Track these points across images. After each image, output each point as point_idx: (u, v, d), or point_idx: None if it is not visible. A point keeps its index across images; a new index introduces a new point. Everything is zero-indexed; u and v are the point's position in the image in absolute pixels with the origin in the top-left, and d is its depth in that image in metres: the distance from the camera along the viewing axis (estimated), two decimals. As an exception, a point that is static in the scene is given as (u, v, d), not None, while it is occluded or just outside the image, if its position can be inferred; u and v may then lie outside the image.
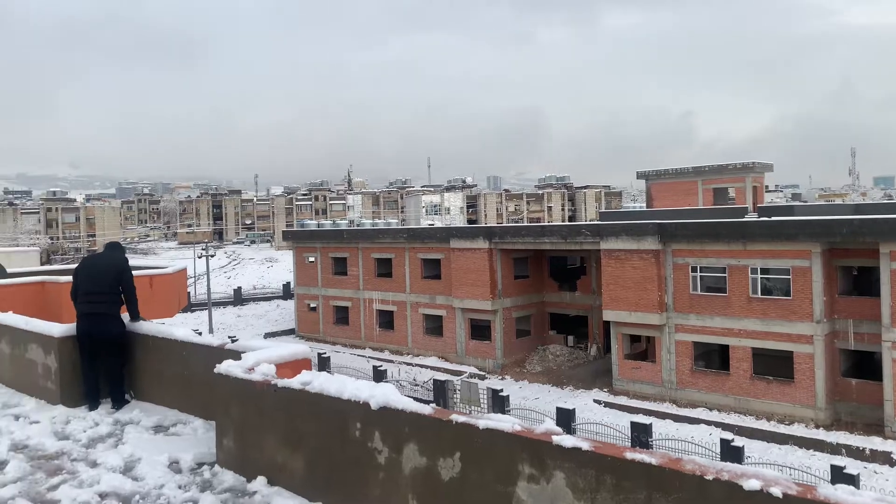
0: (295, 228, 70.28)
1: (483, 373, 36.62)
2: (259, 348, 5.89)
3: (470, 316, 38.59)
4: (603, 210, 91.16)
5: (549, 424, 3.81)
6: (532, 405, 28.90)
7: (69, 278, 14.36)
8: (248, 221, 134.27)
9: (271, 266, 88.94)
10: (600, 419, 27.32)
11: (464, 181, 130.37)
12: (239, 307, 60.63)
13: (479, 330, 38.49)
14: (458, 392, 30.06)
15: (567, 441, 3.51)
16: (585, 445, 3.46)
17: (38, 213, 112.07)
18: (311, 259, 48.65)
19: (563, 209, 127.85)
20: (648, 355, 32.84)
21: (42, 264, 39.00)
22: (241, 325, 52.55)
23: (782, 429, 26.74)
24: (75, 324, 7.07)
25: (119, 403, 6.87)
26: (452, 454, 3.96)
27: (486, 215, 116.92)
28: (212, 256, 57.34)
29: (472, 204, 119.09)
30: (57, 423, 6.41)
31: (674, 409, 29.50)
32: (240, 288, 64.90)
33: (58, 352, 7.07)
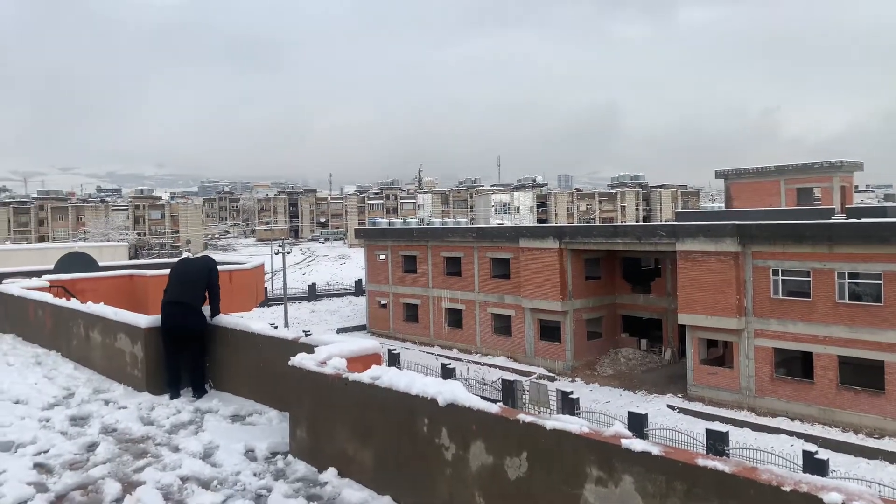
0: (367, 227, 71.51)
1: (552, 374, 36.28)
2: (331, 343, 6.03)
3: (539, 316, 38.30)
4: (679, 210, 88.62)
5: (619, 427, 3.75)
6: (602, 409, 28.43)
7: (155, 272, 15.16)
8: (323, 219, 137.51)
9: (344, 263, 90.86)
10: (674, 425, 26.58)
11: (534, 180, 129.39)
12: (313, 303, 62.17)
13: (549, 331, 38.14)
14: (526, 393, 29.88)
15: (636, 445, 3.45)
16: (656, 450, 3.38)
17: (126, 209, 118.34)
18: (382, 257, 49.40)
19: (637, 209, 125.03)
20: (726, 361, 31.72)
21: (130, 259, 41.17)
22: (315, 320, 53.86)
23: (871, 442, 25.32)
24: (160, 315, 7.44)
25: (199, 392, 7.19)
26: (519, 453, 3.95)
27: (556, 215, 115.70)
28: (288, 253, 59.08)
29: (542, 203, 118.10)
30: (143, 409, 6.76)
31: (752, 418, 28.39)
32: (314, 284, 66.54)
33: (144, 342, 7.46)
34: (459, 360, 39.79)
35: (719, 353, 32.58)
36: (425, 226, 66.06)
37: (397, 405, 4.67)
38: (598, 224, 69.28)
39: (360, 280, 59.85)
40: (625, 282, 39.47)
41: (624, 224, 67.87)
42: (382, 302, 49.06)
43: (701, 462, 3.22)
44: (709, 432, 24.56)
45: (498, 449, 4.07)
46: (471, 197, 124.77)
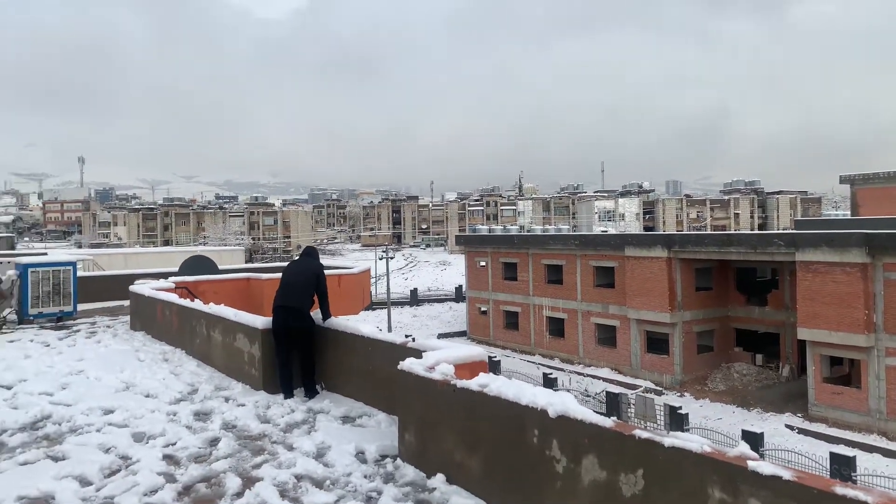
0: (467, 233, 71.91)
1: (659, 388, 34.96)
2: (438, 348, 6.07)
3: (646, 328, 37.04)
4: (799, 218, 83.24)
5: (744, 448, 3.53)
6: (714, 425, 27.08)
7: (270, 276, 15.87)
8: (424, 226, 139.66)
9: (445, 269, 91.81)
10: (793, 446, 24.91)
11: (640, 186, 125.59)
12: (414, 307, 63.21)
13: (656, 343, 36.80)
14: (632, 406, 28.95)
15: (765, 468, 3.23)
16: (787, 475, 3.16)
17: (242, 216, 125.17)
18: (483, 263, 49.48)
19: (751, 216, 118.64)
20: (852, 380, 29.41)
21: (245, 262, 43.42)
22: (417, 324, 54.72)
23: None
24: (272, 317, 7.76)
25: (311, 393, 7.42)
26: (635, 470, 3.81)
27: (664, 222, 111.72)
28: (391, 259, 60.38)
29: (648, 210, 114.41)
30: (259, 407, 7.06)
31: (884, 443, 26.13)
32: (416, 289, 67.68)
33: (261, 342, 7.80)
34: (561, 370, 39.15)
35: (845, 372, 30.23)
36: (526, 233, 65.61)
37: (506, 414, 4.62)
38: (709, 232, 66.26)
39: (461, 286, 60.27)
40: (739, 293, 37.46)
41: (738, 232, 64.49)
42: (483, 309, 49.12)
43: (839, 490, 2.97)
44: (833, 456, 22.81)
45: (612, 464, 3.94)
46: (573, 203, 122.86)
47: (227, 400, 7.39)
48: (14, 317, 13.67)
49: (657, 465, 3.69)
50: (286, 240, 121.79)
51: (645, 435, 3.80)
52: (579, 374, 38.26)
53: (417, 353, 5.99)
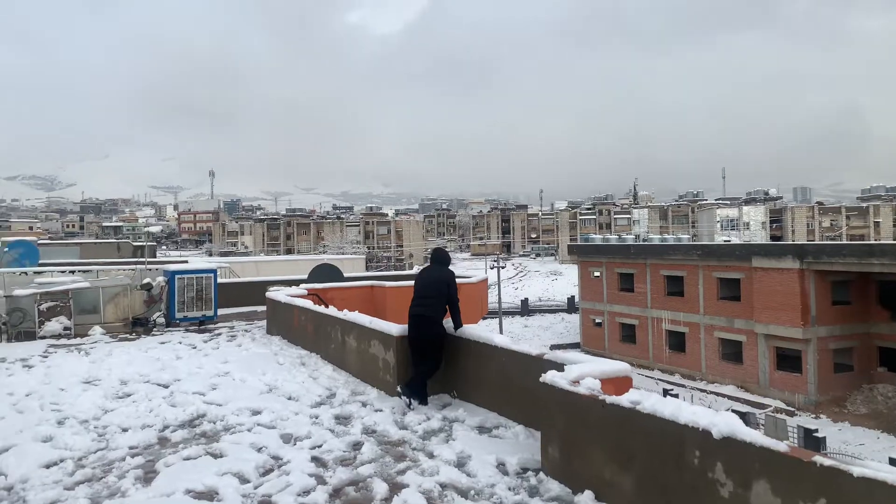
0: (579, 242, 70.58)
1: (791, 408, 32.68)
2: (579, 361, 5.92)
3: (775, 344, 34.77)
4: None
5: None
6: (855, 451, 24.98)
7: (393, 283, 16.24)
8: (534, 235, 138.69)
9: (556, 279, 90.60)
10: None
11: (766, 193, 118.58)
12: (525, 318, 62.78)
13: (787, 360, 34.44)
14: (761, 427, 27.24)
15: None
16: None
17: (358, 225, 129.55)
18: (597, 274, 48.38)
19: (894, 225, 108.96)
20: None
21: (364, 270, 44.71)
22: (528, 335, 54.30)
23: None
24: (407, 325, 7.87)
25: (423, 400, 7.43)
26: (815, 500, 3.52)
27: (793, 231, 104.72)
28: (502, 268, 60.32)
29: (776, 218, 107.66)
30: (396, 413, 7.17)
31: None
32: (526, 299, 67.23)
33: (395, 349, 7.94)
34: (682, 385, 37.48)
35: None
36: (643, 242, 63.54)
37: (661, 432, 4.42)
38: (847, 242, 61.47)
39: (573, 297, 59.25)
40: (882, 308, 34.39)
41: (881, 242, 59.40)
42: (597, 320, 47.98)
43: None
44: None
45: (788, 492, 3.66)
46: (693, 212, 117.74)
47: (364, 405, 7.57)
48: (162, 320, 14.75)
49: (844, 497, 3.40)
50: (399, 248, 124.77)
51: (828, 462, 3.51)
52: (702, 390, 36.48)
53: (557, 366, 5.87)
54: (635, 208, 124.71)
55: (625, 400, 4.75)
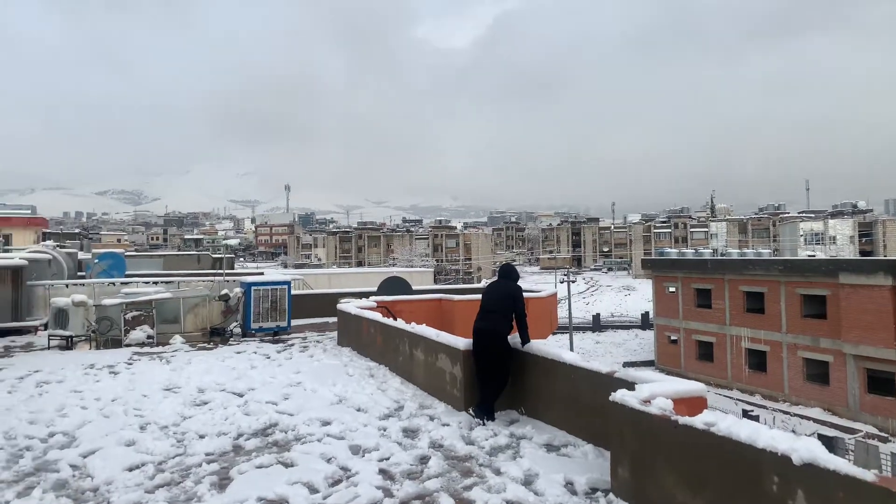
0: (654, 256, 68.81)
1: (884, 434, 30.72)
2: (650, 380, 5.76)
3: (866, 365, 32.82)
4: None
5: None
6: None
7: (460, 297, 16.27)
8: (606, 249, 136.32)
9: (629, 294, 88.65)
10: None
11: (854, 205, 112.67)
12: (597, 333, 61.64)
13: (879, 382, 32.43)
14: (850, 454, 25.71)
15: None
16: None
17: (427, 238, 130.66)
18: (672, 289, 47.01)
19: None
20: None
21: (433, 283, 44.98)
22: (600, 351, 53.24)
23: None
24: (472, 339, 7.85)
25: (489, 416, 7.37)
26: (906, 535, 3.29)
27: (884, 246, 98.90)
28: (572, 282, 59.48)
29: (865, 232, 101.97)
30: (463, 428, 7.15)
31: None
32: (598, 314, 66.00)
33: (462, 363, 7.93)
34: (763, 407, 35.86)
35: None
36: (721, 257, 61.37)
37: (737, 456, 4.24)
38: (943, 257, 57.59)
39: (647, 312, 57.79)
40: None
41: (981, 258, 55.32)
42: (672, 337, 46.58)
43: None
44: None
45: (876, 526, 3.43)
46: (773, 225, 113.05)
47: (431, 419, 7.58)
48: (239, 330, 15.26)
49: (939, 534, 3.16)
50: (467, 261, 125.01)
51: (924, 495, 3.28)
52: (785, 412, 34.79)
53: (627, 385, 5.73)
54: (712, 221, 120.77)
55: (698, 421, 4.58)
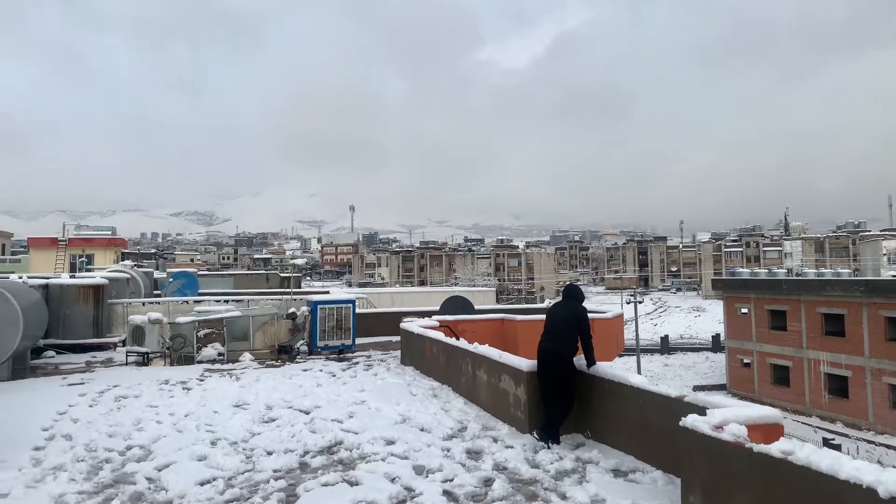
0: (725, 276, 66.59)
1: (980, 467, 28.62)
2: (722, 405, 5.58)
3: (958, 391, 30.78)
4: None
5: None
6: None
7: (523, 317, 16.12)
8: (674, 268, 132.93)
9: (698, 315, 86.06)
10: None
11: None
12: (665, 356, 59.97)
13: (974, 411, 30.35)
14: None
15: None
16: None
17: (489, 258, 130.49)
18: (744, 310, 45.35)
19: None
20: None
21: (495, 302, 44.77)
22: (669, 374, 51.75)
23: None
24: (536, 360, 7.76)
25: (554, 440, 7.23)
26: None
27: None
28: (639, 303, 58.18)
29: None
30: (527, 450, 7.05)
31: None
32: (666, 336, 64.26)
33: (526, 385, 7.84)
34: (845, 435, 33.98)
35: None
36: (797, 277, 58.89)
37: (817, 488, 4.05)
38: None
39: (718, 334, 55.89)
40: None
41: None
42: (745, 361, 44.83)
43: None
44: None
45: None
46: (853, 244, 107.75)
47: (495, 440, 7.51)
48: (305, 348, 15.56)
49: None
50: (530, 281, 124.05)
51: None
52: (869, 441, 32.86)
53: (698, 409, 5.55)
54: (787, 240, 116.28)
55: (775, 449, 4.40)
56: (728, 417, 5.07)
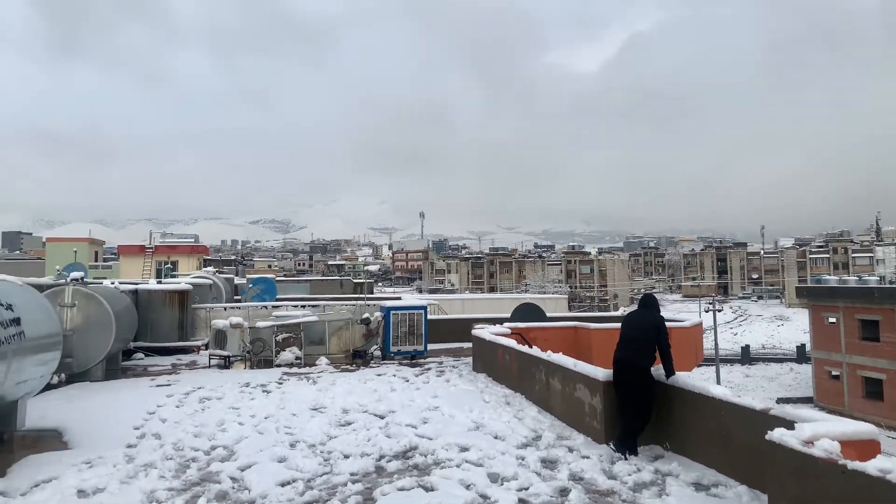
0: (810, 284, 63.53)
1: None
2: (811, 419, 5.32)
3: None
4: None
5: None
6: None
7: (598, 325, 15.85)
8: (755, 276, 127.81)
9: (781, 324, 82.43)
10: None
11: None
12: (746, 366, 57.68)
13: None
14: None
15: None
16: None
17: (559, 264, 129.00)
18: (832, 320, 43.07)
19: None
20: None
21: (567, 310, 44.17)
22: (750, 385, 49.74)
23: None
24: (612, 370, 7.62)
25: (631, 451, 7.05)
26: None
27: None
28: (719, 311, 56.22)
29: None
30: (604, 461, 6.92)
31: None
32: (747, 346, 61.88)
33: (602, 394, 7.71)
34: (945, 453, 31.76)
35: None
36: (889, 284, 55.56)
37: (919, 510, 3.80)
38: None
39: (803, 345, 53.35)
40: None
41: None
42: (834, 373, 42.55)
43: None
44: None
45: None
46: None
47: (570, 450, 7.41)
48: (378, 353, 15.80)
49: None
50: (602, 288, 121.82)
51: None
52: (973, 462, 30.57)
53: (785, 423, 5.32)
54: (878, 245, 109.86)
55: (871, 467, 4.18)
56: (819, 432, 4.84)
